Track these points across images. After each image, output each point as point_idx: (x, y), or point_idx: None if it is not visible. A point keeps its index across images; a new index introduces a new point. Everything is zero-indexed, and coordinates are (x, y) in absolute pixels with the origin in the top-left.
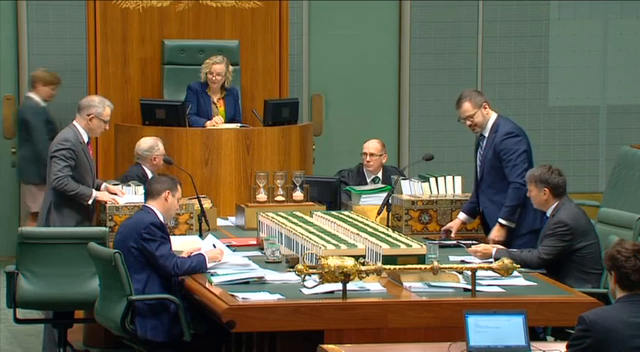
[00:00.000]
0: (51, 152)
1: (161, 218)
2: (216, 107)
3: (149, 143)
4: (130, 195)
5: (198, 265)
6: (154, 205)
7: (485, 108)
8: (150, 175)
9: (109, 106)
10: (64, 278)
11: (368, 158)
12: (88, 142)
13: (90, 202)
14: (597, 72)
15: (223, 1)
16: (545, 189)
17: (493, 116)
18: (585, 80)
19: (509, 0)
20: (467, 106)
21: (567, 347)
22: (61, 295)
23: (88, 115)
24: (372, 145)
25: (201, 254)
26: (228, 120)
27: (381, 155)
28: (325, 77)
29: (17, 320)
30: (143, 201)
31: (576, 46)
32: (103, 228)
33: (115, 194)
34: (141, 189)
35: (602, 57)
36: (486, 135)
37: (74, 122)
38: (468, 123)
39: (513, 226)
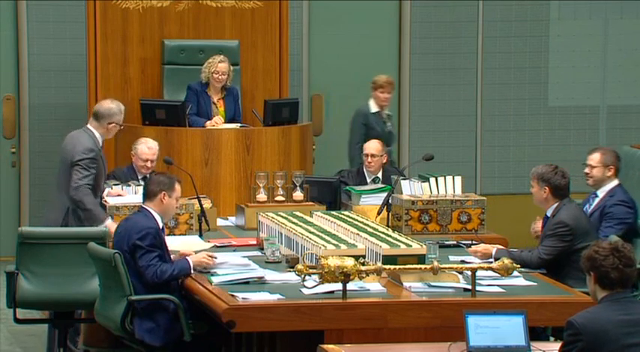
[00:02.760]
0: (74, 160)
1: (158, 220)
2: (216, 107)
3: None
4: (131, 196)
5: (181, 272)
6: (151, 207)
7: (611, 170)
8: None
9: (123, 109)
10: (64, 278)
11: (369, 159)
12: (102, 146)
13: (102, 227)
14: (597, 72)
15: (223, 1)
16: (546, 188)
17: (614, 182)
18: (585, 80)
19: (509, 0)
20: (595, 156)
21: None
22: (61, 295)
23: (109, 124)
24: (373, 146)
25: (186, 259)
26: (228, 120)
27: (381, 155)
28: (325, 77)
29: (17, 320)
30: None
31: (576, 46)
32: (103, 228)
33: (119, 195)
34: (141, 189)
35: (602, 57)
36: (600, 196)
37: (90, 127)
38: (586, 170)
39: None
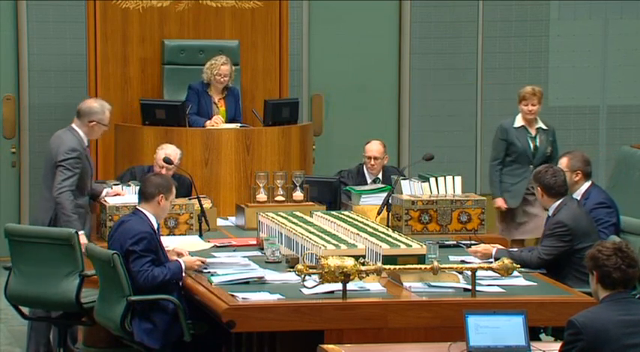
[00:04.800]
0: (57, 160)
1: (153, 221)
2: (217, 107)
3: (178, 154)
4: (130, 196)
5: (173, 276)
6: (147, 208)
7: (577, 175)
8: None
9: (108, 109)
10: (40, 277)
11: (372, 161)
12: (88, 145)
13: (70, 230)
14: (597, 72)
15: (223, 1)
16: (538, 188)
17: (586, 184)
18: (585, 80)
19: (509, 0)
20: (563, 161)
21: None
22: (37, 293)
23: (90, 122)
24: (375, 148)
25: (178, 262)
26: (228, 120)
27: (383, 158)
28: (325, 77)
29: (24, 316)
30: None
31: (576, 46)
32: (70, 231)
33: (118, 194)
34: None
35: (602, 57)
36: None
37: (74, 126)
38: None
39: None
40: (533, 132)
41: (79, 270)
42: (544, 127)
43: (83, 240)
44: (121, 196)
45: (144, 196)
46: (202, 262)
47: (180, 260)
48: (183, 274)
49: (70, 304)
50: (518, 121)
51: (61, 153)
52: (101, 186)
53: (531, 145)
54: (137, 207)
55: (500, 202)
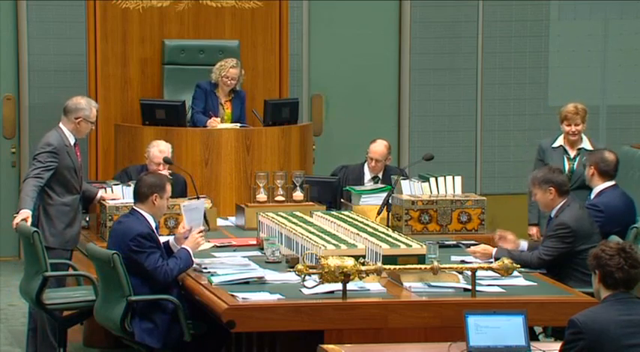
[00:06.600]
0: (33, 154)
1: (150, 220)
2: (223, 109)
3: (170, 148)
4: (129, 197)
5: (185, 264)
6: (143, 208)
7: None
8: None
9: (95, 107)
10: (25, 274)
11: (373, 163)
12: (75, 144)
13: (31, 228)
14: (597, 72)
15: (223, 1)
16: (551, 188)
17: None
18: (585, 80)
19: (509, 0)
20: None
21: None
22: (24, 290)
23: (76, 119)
24: (379, 150)
25: (184, 248)
26: (233, 122)
27: (385, 159)
28: (325, 77)
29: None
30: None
31: (576, 46)
32: (30, 229)
33: (113, 199)
34: None
35: (602, 57)
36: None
37: (60, 124)
38: None
39: None
40: (572, 153)
41: (43, 270)
42: (589, 148)
43: (24, 214)
44: (119, 200)
45: (138, 197)
46: (200, 232)
47: (184, 245)
48: (193, 258)
49: (35, 304)
50: (559, 141)
51: (37, 148)
52: (95, 189)
53: (566, 167)
54: (133, 207)
55: (532, 231)
